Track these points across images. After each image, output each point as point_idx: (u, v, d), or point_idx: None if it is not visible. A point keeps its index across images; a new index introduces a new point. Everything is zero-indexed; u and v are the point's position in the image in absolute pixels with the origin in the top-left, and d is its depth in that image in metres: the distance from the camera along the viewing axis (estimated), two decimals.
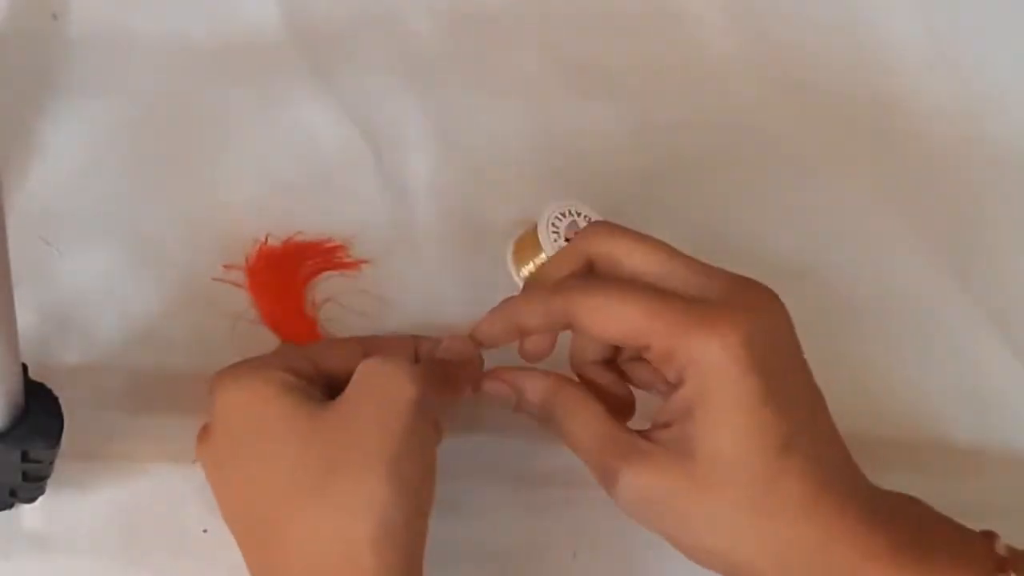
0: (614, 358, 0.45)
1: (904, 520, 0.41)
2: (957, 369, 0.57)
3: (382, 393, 0.41)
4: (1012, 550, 0.42)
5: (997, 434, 0.56)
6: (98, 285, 0.48)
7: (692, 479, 0.39)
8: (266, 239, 0.50)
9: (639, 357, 0.43)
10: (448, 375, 0.44)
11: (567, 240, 0.48)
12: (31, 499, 0.43)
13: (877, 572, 0.39)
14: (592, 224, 0.45)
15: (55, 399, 0.39)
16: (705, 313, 0.39)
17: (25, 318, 0.36)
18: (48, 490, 0.43)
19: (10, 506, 0.44)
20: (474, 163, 0.56)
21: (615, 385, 0.45)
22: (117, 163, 0.51)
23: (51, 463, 0.41)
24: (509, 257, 0.52)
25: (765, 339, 0.39)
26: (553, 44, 0.60)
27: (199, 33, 0.55)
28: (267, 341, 0.49)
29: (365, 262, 0.51)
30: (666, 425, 0.41)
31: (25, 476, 0.41)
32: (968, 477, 0.54)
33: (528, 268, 0.51)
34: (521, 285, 0.51)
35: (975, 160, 0.63)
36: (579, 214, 0.50)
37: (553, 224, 0.49)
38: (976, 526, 0.43)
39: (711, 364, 0.39)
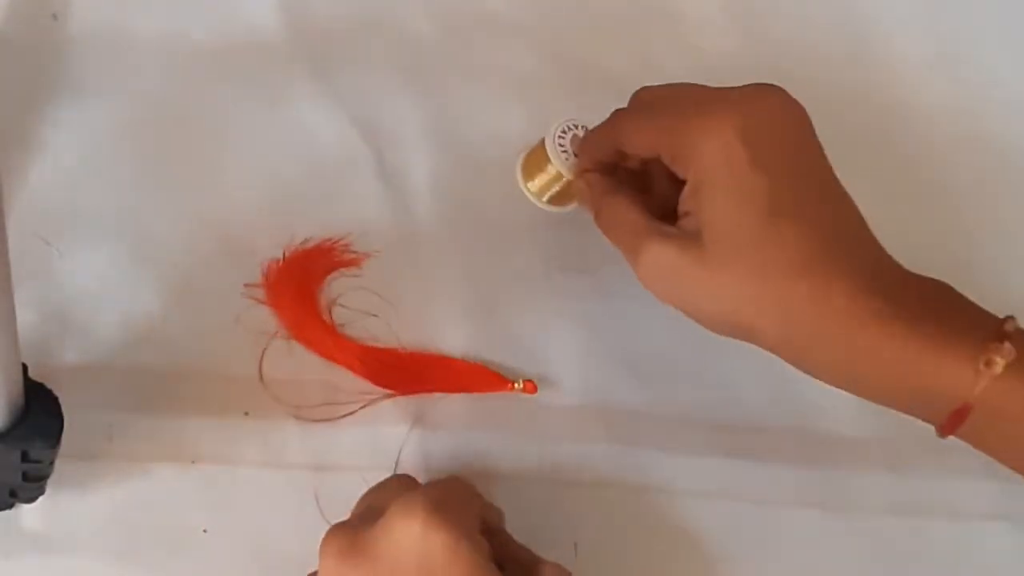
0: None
1: (917, 294, 0.43)
2: None
3: None
4: (1021, 330, 0.42)
5: None
6: (98, 285, 0.48)
7: (699, 250, 0.43)
8: (283, 255, 0.50)
9: None
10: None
11: (575, 154, 0.51)
12: (31, 499, 0.43)
13: (869, 335, 0.41)
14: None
15: (55, 399, 0.39)
16: (700, 111, 0.44)
17: (25, 318, 0.36)
18: (48, 490, 0.43)
19: (10, 506, 0.44)
20: (474, 163, 0.56)
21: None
22: (117, 163, 0.51)
23: (51, 463, 0.41)
24: (518, 172, 0.54)
25: (759, 120, 0.44)
26: (553, 44, 0.60)
27: (199, 33, 0.55)
28: (279, 349, 0.49)
29: (368, 256, 0.51)
30: (685, 214, 0.44)
31: (25, 476, 0.41)
32: None
33: (536, 181, 0.53)
34: (531, 198, 0.53)
35: (975, 160, 0.63)
36: (584, 127, 0.53)
37: (559, 137, 0.52)
38: None
39: (705, 148, 0.43)
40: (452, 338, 0.51)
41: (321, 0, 0.57)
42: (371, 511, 0.42)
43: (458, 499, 0.42)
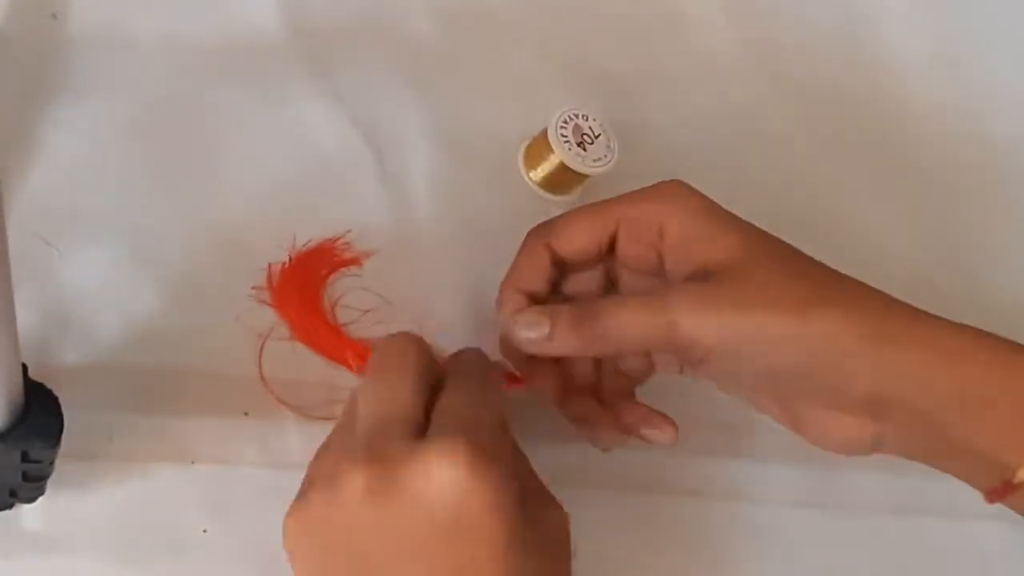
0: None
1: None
2: None
3: None
4: None
5: None
6: (98, 285, 0.48)
7: (735, 284, 0.42)
8: (288, 258, 0.50)
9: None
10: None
11: (578, 144, 0.52)
12: (31, 499, 0.43)
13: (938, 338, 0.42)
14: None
15: (55, 399, 0.39)
16: (653, 188, 0.46)
17: (25, 318, 0.36)
18: (48, 490, 0.43)
19: (10, 506, 0.44)
20: (474, 163, 0.56)
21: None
22: (117, 163, 0.51)
23: (51, 463, 0.41)
24: (520, 161, 0.54)
25: (698, 195, 0.45)
26: (553, 44, 0.60)
27: (199, 33, 0.55)
28: (279, 349, 0.49)
29: (368, 255, 0.51)
30: (678, 277, 0.44)
31: (25, 476, 0.41)
32: None
33: (538, 170, 0.54)
34: (533, 187, 0.54)
35: (975, 159, 0.63)
36: (586, 117, 0.53)
37: (562, 126, 0.53)
38: None
39: (681, 205, 0.45)
40: (452, 337, 0.51)
41: (321, 0, 0.57)
42: (386, 422, 0.39)
43: (491, 424, 0.40)
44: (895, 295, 0.43)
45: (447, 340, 0.51)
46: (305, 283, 0.50)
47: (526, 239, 0.48)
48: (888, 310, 0.42)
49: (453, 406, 0.40)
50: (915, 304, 0.43)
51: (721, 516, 0.51)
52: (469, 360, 0.45)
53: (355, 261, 0.51)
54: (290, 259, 0.50)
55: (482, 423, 0.40)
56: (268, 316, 0.49)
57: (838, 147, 0.62)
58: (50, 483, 0.43)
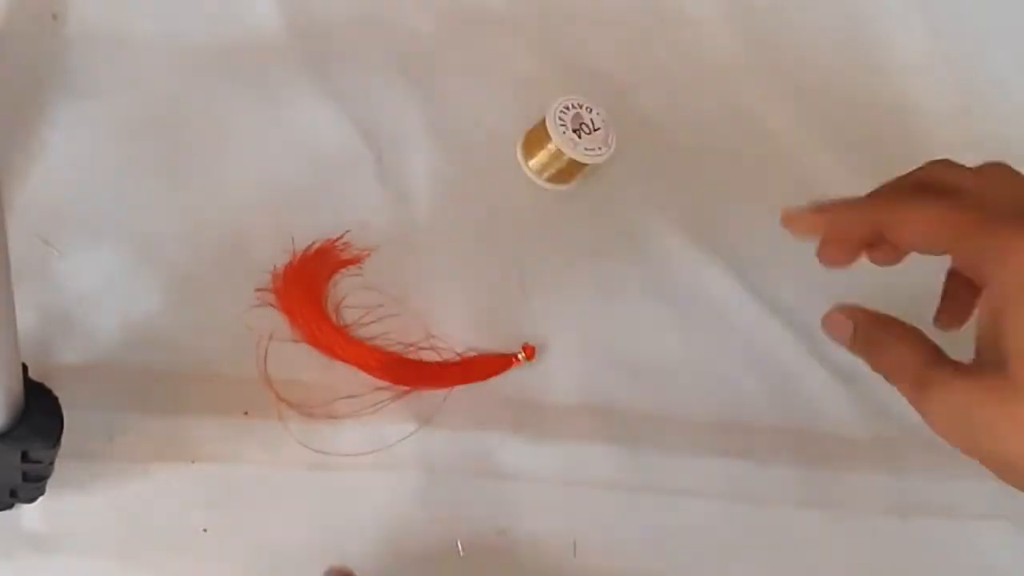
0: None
1: None
2: None
3: None
4: None
5: None
6: (98, 285, 0.48)
7: (1002, 385, 0.37)
8: (291, 259, 0.50)
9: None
10: None
11: (575, 131, 0.52)
12: (31, 499, 0.43)
13: None
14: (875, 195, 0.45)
15: (55, 399, 0.39)
16: (1002, 218, 0.39)
17: (25, 318, 0.36)
18: (48, 490, 0.43)
19: (10, 506, 0.44)
20: (474, 163, 0.56)
21: None
22: (117, 163, 0.51)
23: (51, 463, 0.41)
24: (519, 150, 0.54)
25: None
26: (553, 44, 0.60)
27: (199, 33, 0.55)
28: (280, 349, 0.49)
29: (368, 253, 0.51)
30: (984, 341, 0.39)
31: (25, 476, 0.41)
32: None
33: (537, 159, 0.54)
34: (530, 175, 0.54)
35: (975, 160, 0.63)
36: (584, 107, 0.54)
37: (560, 116, 0.53)
38: None
39: (1012, 266, 0.38)
40: (453, 335, 0.51)
41: (321, 0, 0.57)
42: None
43: None
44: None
45: (447, 338, 0.51)
46: (309, 286, 0.50)
47: (854, 201, 0.44)
48: None
49: None
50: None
51: (721, 516, 0.51)
52: None
53: (356, 260, 0.51)
54: (293, 262, 0.50)
55: None
56: (268, 316, 0.49)
57: (838, 146, 0.62)
58: (50, 483, 0.43)
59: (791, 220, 0.46)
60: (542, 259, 0.54)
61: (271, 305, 0.49)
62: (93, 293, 0.48)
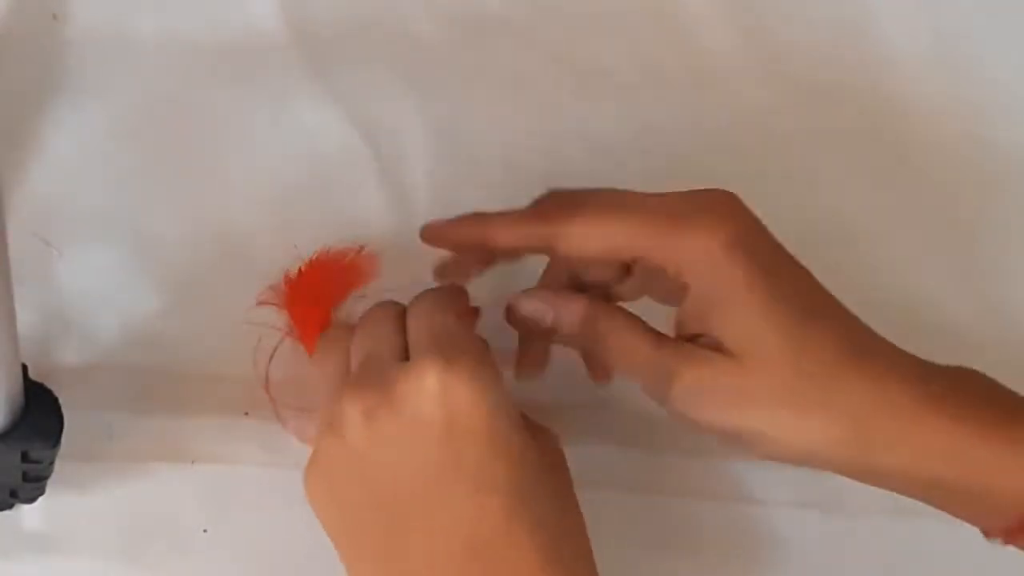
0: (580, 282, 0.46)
1: (961, 383, 0.41)
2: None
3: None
4: None
5: None
6: (98, 285, 0.48)
7: (738, 366, 0.40)
8: (301, 268, 0.49)
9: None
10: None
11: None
12: (31, 499, 0.43)
13: (929, 427, 0.39)
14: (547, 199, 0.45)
15: (55, 399, 0.39)
16: (686, 218, 0.41)
17: (25, 318, 0.36)
18: (48, 490, 0.43)
19: (10, 506, 0.44)
20: (474, 163, 0.56)
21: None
22: (117, 163, 0.51)
23: (51, 463, 0.41)
24: None
25: (744, 226, 0.41)
26: (553, 44, 0.60)
27: (199, 33, 0.55)
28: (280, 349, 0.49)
29: (375, 261, 0.51)
30: (694, 334, 0.41)
31: (25, 476, 0.41)
32: None
33: None
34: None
35: (976, 159, 0.63)
36: None
37: None
38: None
39: (704, 266, 0.40)
40: None
41: (321, 1, 0.57)
42: (374, 358, 0.41)
43: (457, 323, 0.41)
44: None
45: None
46: (320, 295, 0.49)
47: (528, 214, 0.45)
48: (885, 410, 0.40)
49: (420, 311, 0.42)
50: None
51: (721, 516, 0.51)
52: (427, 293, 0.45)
53: (371, 277, 0.50)
54: (301, 271, 0.49)
55: (448, 322, 0.41)
56: (268, 316, 0.49)
57: (839, 147, 0.62)
58: (50, 483, 0.43)
59: (435, 231, 0.46)
60: (542, 259, 0.54)
61: (275, 304, 0.49)
62: (93, 293, 0.48)
